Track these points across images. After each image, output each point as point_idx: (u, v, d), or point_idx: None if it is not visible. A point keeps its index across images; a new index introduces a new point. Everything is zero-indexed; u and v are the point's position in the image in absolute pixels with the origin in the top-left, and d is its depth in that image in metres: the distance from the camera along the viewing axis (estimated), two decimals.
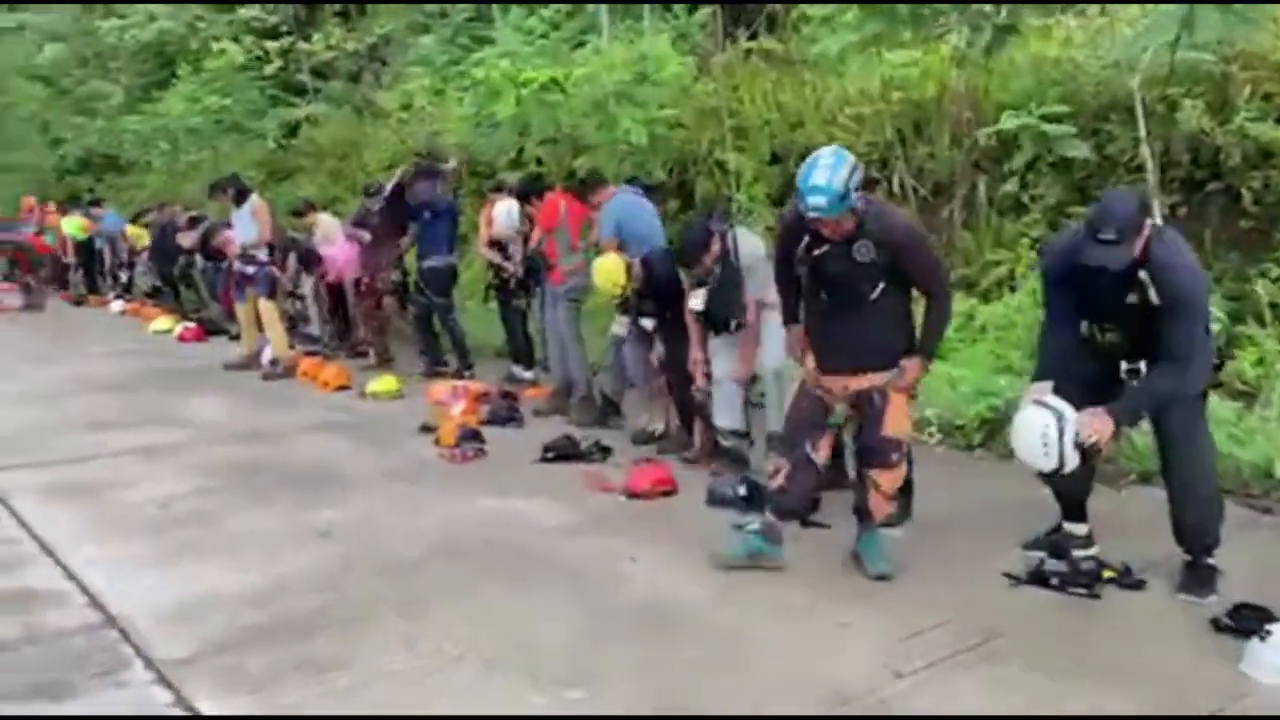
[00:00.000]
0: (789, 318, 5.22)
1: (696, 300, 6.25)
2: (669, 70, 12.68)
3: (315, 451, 7.36)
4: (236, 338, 12.09)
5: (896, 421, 4.86)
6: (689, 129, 12.84)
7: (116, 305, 15.91)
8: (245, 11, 20.82)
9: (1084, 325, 4.65)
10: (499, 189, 9.68)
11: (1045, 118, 8.97)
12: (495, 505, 6.05)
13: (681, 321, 6.58)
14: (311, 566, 5.15)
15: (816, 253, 4.77)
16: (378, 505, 6.10)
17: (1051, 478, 4.83)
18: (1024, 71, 10.41)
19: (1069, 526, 5.10)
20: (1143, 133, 8.37)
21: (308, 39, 19.36)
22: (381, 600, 4.70)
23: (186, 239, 14.10)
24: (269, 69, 19.14)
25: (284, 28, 19.97)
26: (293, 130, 20.78)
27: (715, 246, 6.26)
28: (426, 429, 7.65)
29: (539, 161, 14.57)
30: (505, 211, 9.05)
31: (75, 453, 7.39)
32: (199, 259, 14.11)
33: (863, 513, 4.97)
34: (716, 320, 6.33)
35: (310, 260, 11.07)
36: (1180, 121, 8.47)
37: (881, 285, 4.72)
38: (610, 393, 7.82)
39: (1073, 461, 4.51)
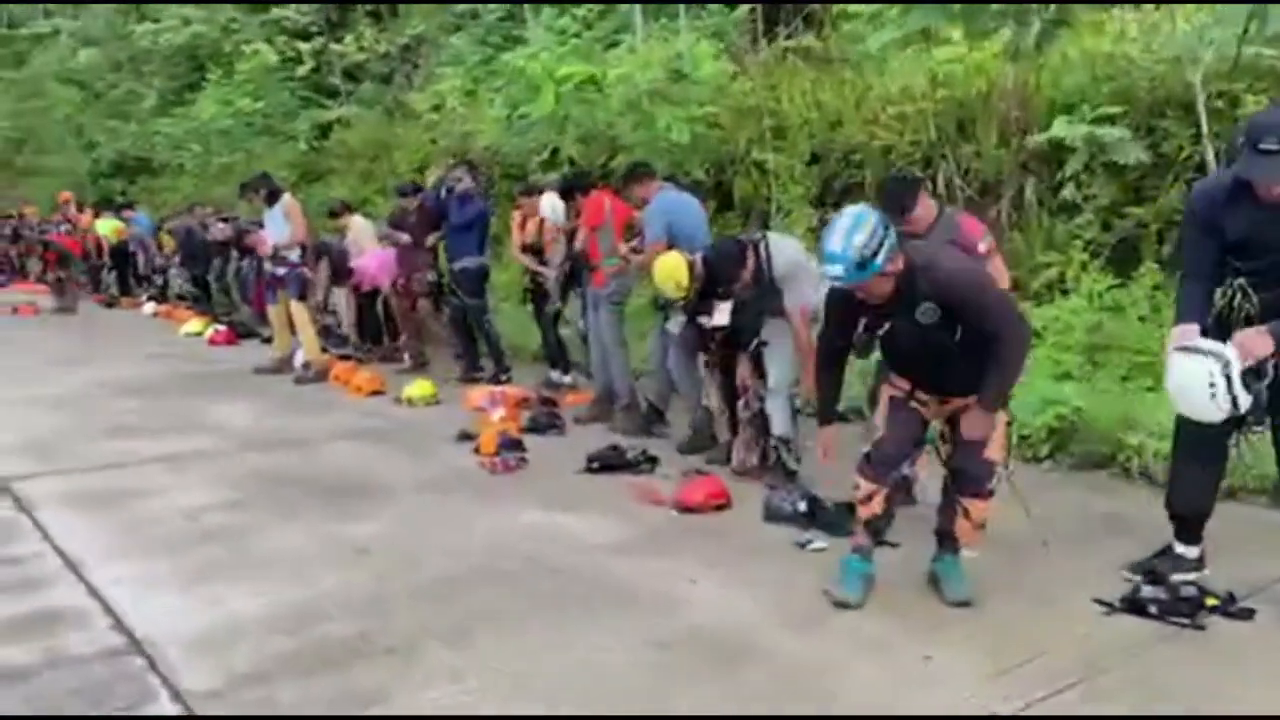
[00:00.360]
0: (824, 416, 4.75)
1: (721, 315, 5.88)
2: (706, 69, 12.31)
3: (348, 460, 6.99)
4: (268, 341, 11.77)
5: (999, 441, 4.43)
6: (725, 129, 12.46)
7: (149, 307, 15.65)
8: (278, 12, 20.56)
9: (1227, 288, 4.19)
10: (530, 191, 9.26)
11: (1098, 120, 8.58)
12: (540, 519, 5.66)
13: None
14: (347, 588, 4.77)
15: (881, 331, 4.36)
16: (415, 519, 5.73)
17: (1212, 441, 4.37)
18: (1076, 67, 9.96)
19: (1180, 549, 4.64)
20: (1205, 129, 7.95)
21: (339, 40, 19.03)
22: (423, 627, 4.32)
23: (219, 231, 13.83)
24: (301, 70, 18.79)
25: (315, 28, 19.67)
26: (324, 132, 20.48)
27: (750, 260, 5.94)
28: (465, 436, 7.27)
29: (571, 162, 14.21)
30: (550, 206, 8.62)
31: (102, 460, 7.06)
32: (234, 260, 13.84)
33: (945, 537, 4.55)
34: (741, 336, 5.97)
35: (341, 271, 10.72)
36: (1242, 118, 8.05)
37: (960, 330, 4.24)
38: (655, 399, 7.42)
39: (1245, 401, 4.00)
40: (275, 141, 20.93)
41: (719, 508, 5.69)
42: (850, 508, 5.29)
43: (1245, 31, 7.71)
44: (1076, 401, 6.80)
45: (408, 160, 17.63)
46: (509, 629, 4.30)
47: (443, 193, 9.76)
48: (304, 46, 18.72)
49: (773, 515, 5.48)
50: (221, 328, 12.66)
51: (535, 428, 7.44)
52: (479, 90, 17.04)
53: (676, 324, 6.57)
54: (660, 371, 7.28)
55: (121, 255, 17.40)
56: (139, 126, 24.74)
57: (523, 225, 9.06)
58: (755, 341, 6.06)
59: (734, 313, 5.95)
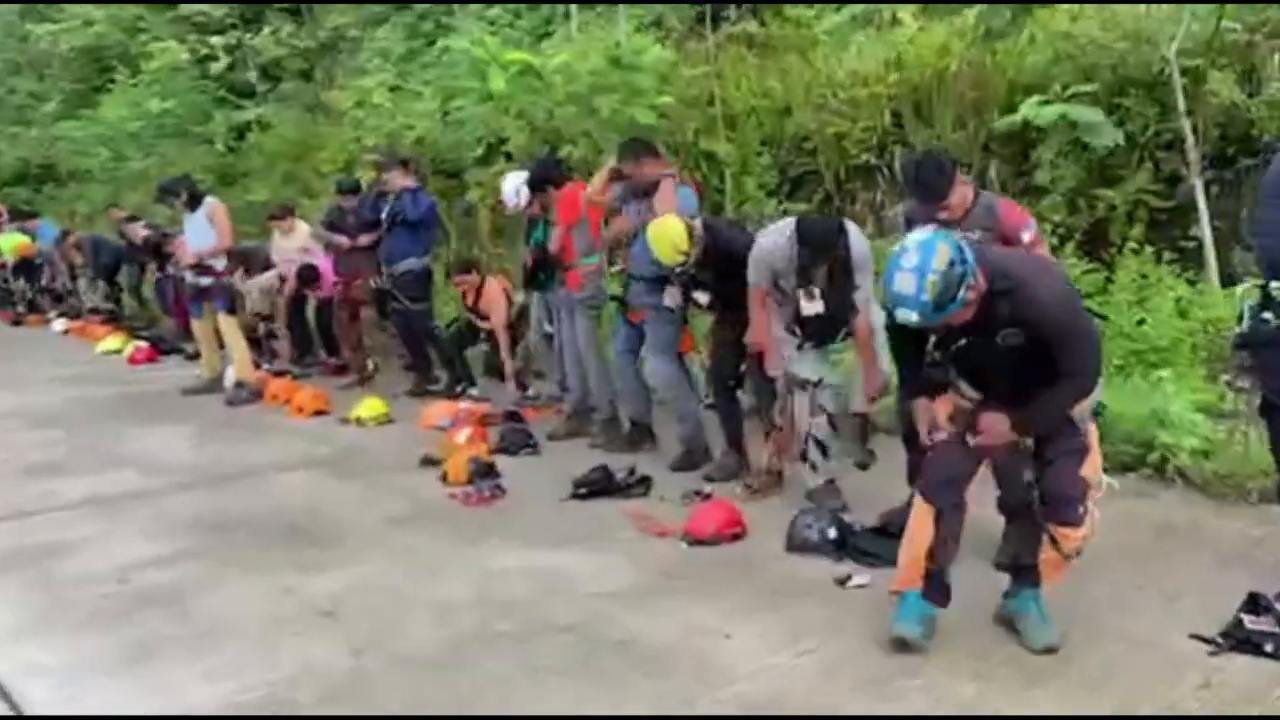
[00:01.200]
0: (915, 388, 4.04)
1: (814, 303, 5.05)
2: (650, 55, 11.56)
3: (300, 495, 6.07)
4: (194, 357, 10.72)
5: (1092, 460, 3.72)
6: (670, 118, 11.69)
7: (58, 324, 14.33)
8: (187, 9, 19.28)
9: None
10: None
11: (1070, 98, 8.06)
12: (531, 561, 4.83)
13: (741, 302, 5.43)
14: (315, 662, 3.90)
15: (954, 348, 3.67)
16: (386, 568, 4.85)
17: None
18: (1038, 46, 9.39)
19: None
20: (1181, 106, 7.47)
21: (255, 35, 17.85)
22: (418, 713, 3.49)
23: (136, 233, 12.70)
24: (216, 67, 17.55)
25: (230, 22, 18.42)
26: (240, 134, 19.23)
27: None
28: (430, 462, 6.41)
29: (509, 157, 13.36)
30: (514, 189, 7.59)
31: (14, 507, 6.06)
32: (150, 269, 12.71)
33: (1025, 570, 3.83)
34: (837, 323, 5.17)
35: (310, 279, 9.66)
36: (1212, 94, 7.58)
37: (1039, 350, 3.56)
38: (635, 415, 6.61)
39: None
40: (189, 144, 19.66)
41: (734, 537, 4.92)
42: (884, 532, 4.61)
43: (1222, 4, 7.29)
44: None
45: (331, 160, 16.53)
46: (522, 709, 3.49)
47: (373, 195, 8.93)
48: (217, 41, 17.44)
49: (798, 544, 4.73)
50: (142, 344, 11.50)
51: (507, 448, 6.59)
52: (406, 84, 16.09)
53: (672, 297, 5.79)
54: (630, 383, 6.48)
55: (27, 269, 15.99)
56: (41, 132, 23.21)
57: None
58: (844, 333, 5.24)
59: (826, 298, 5.07)
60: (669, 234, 5.47)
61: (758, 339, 5.34)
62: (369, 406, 7.64)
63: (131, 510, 5.89)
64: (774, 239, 5.18)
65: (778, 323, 5.28)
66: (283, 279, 9.89)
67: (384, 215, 8.33)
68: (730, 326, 5.69)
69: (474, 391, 8.27)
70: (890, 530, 4.57)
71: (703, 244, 5.52)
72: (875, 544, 4.59)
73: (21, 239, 15.69)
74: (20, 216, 17.12)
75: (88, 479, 6.56)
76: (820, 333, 5.17)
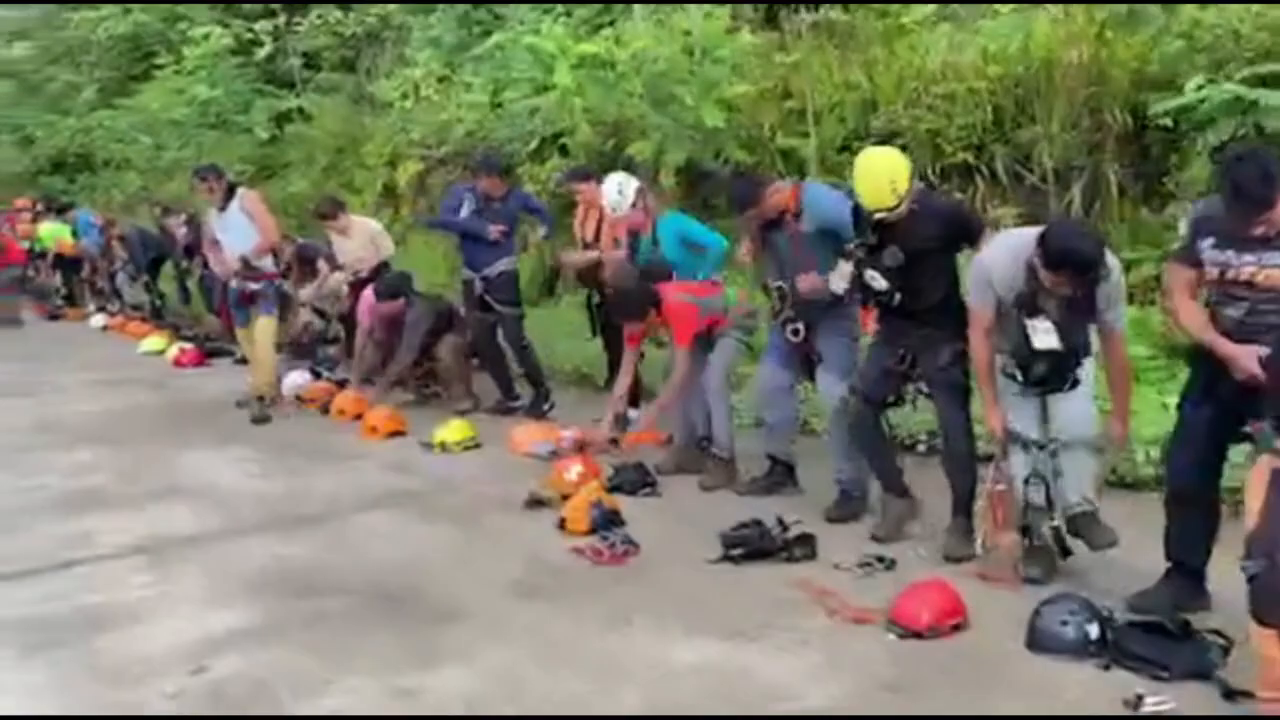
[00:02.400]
0: None
1: (1047, 335, 3.89)
2: (733, 45, 10.41)
3: (392, 547, 4.90)
4: (243, 361, 9.59)
5: None
6: (744, 111, 10.57)
7: (98, 320, 13.23)
8: None
9: None
10: (586, 175, 7.15)
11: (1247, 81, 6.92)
12: (703, 657, 3.66)
13: (926, 302, 4.40)
14: None
15: None
16: (520, 657, 3.69)
17: None
18: (1162, 38, 8.21)
19: None
20: None
21: (298, 22, 16.66)
22: None
23: (175, 229, 11.57)
24: (260, 53, 16.34)
25: (272, 7, 17.22)
26: (280, 124, 18.07)
27: None
28: (537, 503, 5.26)
29: (564, 152, 12.22)
30: (617, 190, 6.21)
31: (46, 553, 4.91)
32: (195, 264, 11.57)
33: None
34: (1070, 364, 3.99)
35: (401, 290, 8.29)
36: None
37: None
38: (778, 451, 5.43)
39: None
40: (228, 134, 18.53)
41: (954, 628, 3.77)
42: (1156, 629, 3.46)
43: None
44: None
45: (377, 153, 15.44)
46: None
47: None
48: (262, 26, 16.21)
49: (1049, 643, 3.57)
50: (187, 345, 10.36)
51: (621, 487, 5.42)
52: (457, 74, 14.94)
53: (842, 279, 4.58)
54: (784, 412, 5.30)
55: (64, 261, 14.86)
56: (78, 120, 22.09)
57: (584, 219, 7.02)
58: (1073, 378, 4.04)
59: (1062, 333, 3.87)
60: (888, 166, 4.25)
61: (981, 380, 4.18)
62: (454, 429, 6.47)
63: (191, 560, 4.75)
64: (1004, 252, 4.02)
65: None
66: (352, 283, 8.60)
67: (468, 212, 7.19)
68: (901, 333, 4.54)
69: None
70: (1164, 626, 3.44)
71: (910, 208, 4.30)
72: (1147, 644, 3.44)
73: (62, 230, 14.56)
74: (58, 208, 15.94)
75: (135, 515, 5.42)
76: (1051, 374, 4.00)
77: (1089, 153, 8.28)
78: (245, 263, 7.58)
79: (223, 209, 7.48)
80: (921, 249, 4.31)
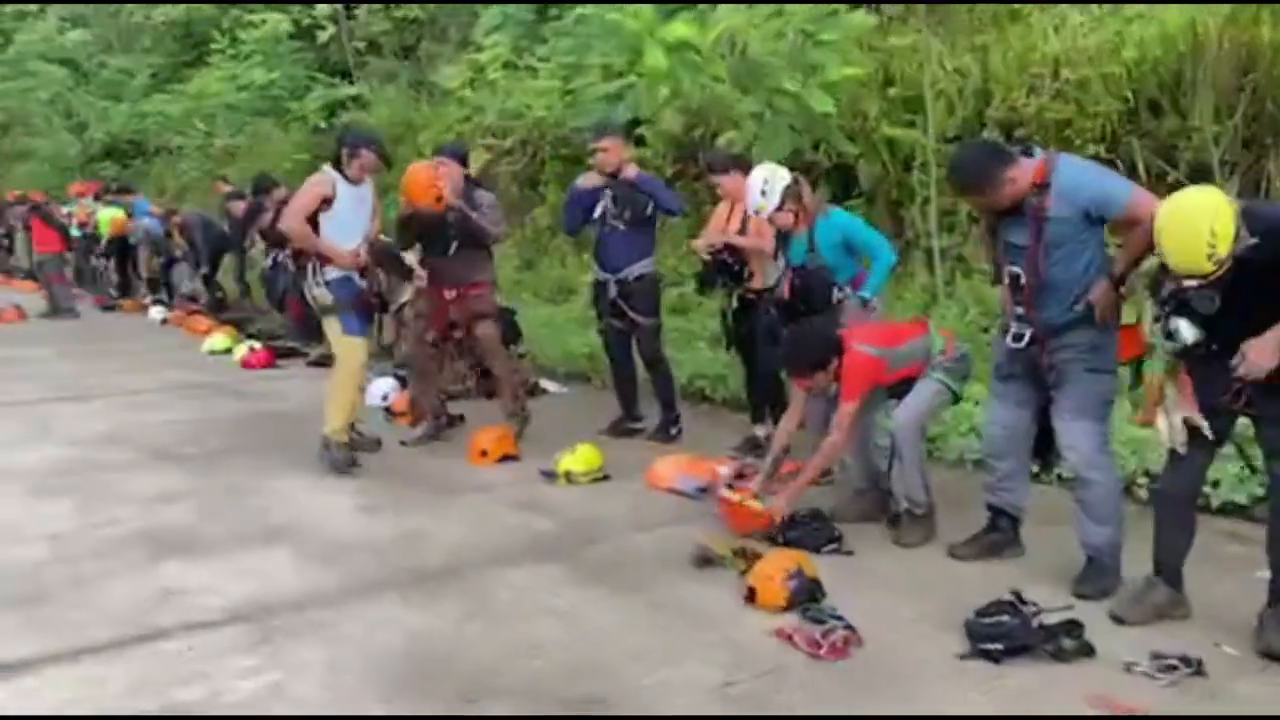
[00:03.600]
0: None
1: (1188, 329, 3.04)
2: (841, 26, 9.28)
3: (550, 623, 3.80)
4: (318, 363, 8.59)
5: None
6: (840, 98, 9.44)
7: (156, 312, 12.20)
8: None
9: None
10: (725, 166, 5.94)
11: None
12: None
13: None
14: None
15: None
16: None
17: None
18: None
19: None
20: None
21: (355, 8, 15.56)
22: None
23: (238, 207, 10.53)
24: (323, 35, 15.23)
25: None
26: (332, 112, 16.98)
27: None
28: (705, 561, 4.20)
29: (640, 141, 11.12)
30: (760, 185, 5.03)
31: (125, 618, 3.85)
32: (264, 253, 10.51)
33: None
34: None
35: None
36: None
37: None
38: (1009, 505, 4.32)
39: None
40: (282, 121, 17.49)
41: None
42: None
43: None
44: None
45: (437, 141, 14.31)
46: None
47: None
48: (323, 9, 15.10)
49: None
50: (256, 345, 9.31)
51: (803, 542, 4.34)
52: (522, 60, 13.83)
53: (1190, 333, 3.28)
54: (1015, 458, 4.20)
55: (121, 249, 13.84)
56: (131, 107, 21.07)
57: (728, 216, 5.89)
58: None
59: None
60: (1206, 220, 3.07)
61: None
62: (581, 457, 5.37)
63: (304, 636, 3.69)
64: None
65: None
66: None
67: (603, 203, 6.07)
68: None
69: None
70: None
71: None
72: None
73: (118, 213, 13.53)
74: (119, 189, 14.86)
75: (226, 565, 4.36)
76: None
77: (1245, 146, 7.17)
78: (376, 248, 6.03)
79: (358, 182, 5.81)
80: (1248, 281, 3.17)
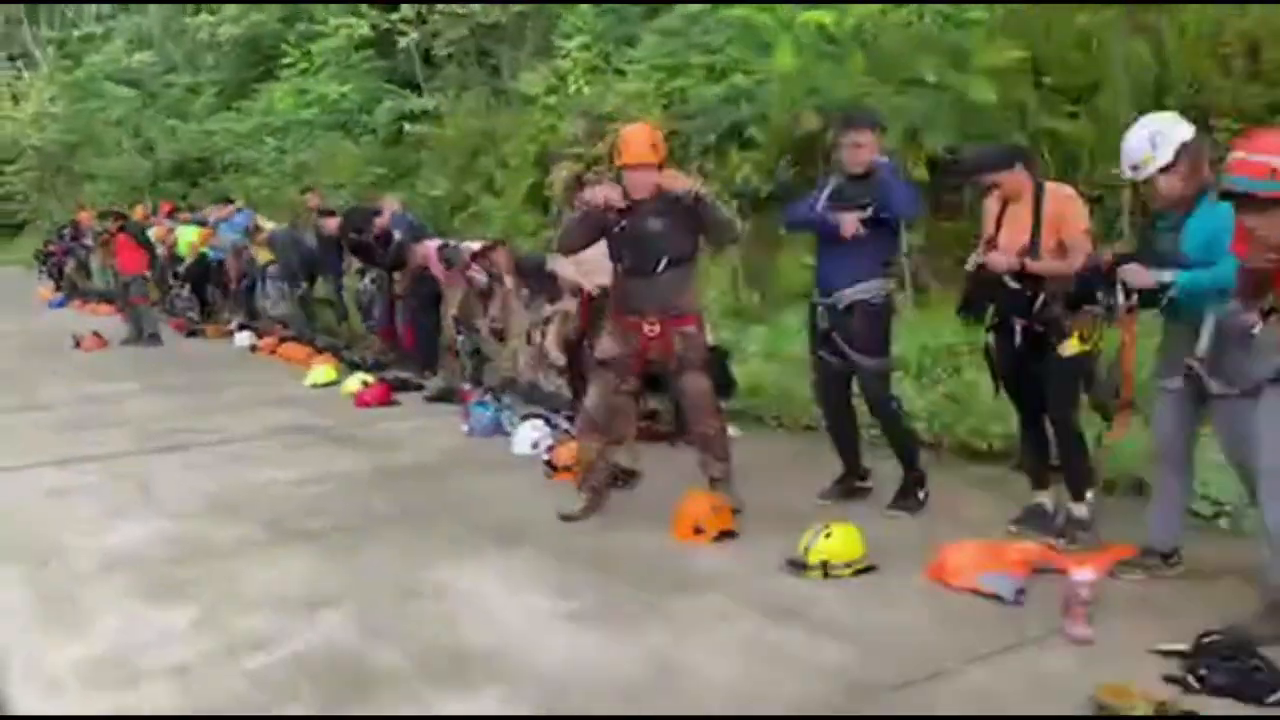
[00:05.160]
0: None
1: None
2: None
3: None
4: (437, 398, 7.24)
5: None
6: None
7: (243, 338, 10.85)
8: None
9: None
10: (1000, 163, 4.33)
11: None
12: None
13: None
14: None
15: None
16: None
17: None
18: None
19: None
20: None
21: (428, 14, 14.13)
22: None
23: (330, 224, 9.23)
24: (403, 42, 13.83)
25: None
26: (402, 125, 15.64)
27: None
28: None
29: (747, 144, 9.70)
30: (1149, 138, 3.51)
31: None
32: (352, 273, 9.17)
33: None
34: None
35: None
36: None
37: None
38: None
39: None
40: (351, 135, 16.17)
41: None
42: None
43: None
44: None
45: (520, 151, 12.94)
46: None
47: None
48: (405, 11, 13.64)
49: None
50: (367, 378, 7.91)
51: (1239, 689, 2.89)
52: (610, 64, 12.43)
53: None
54: None
55: (202, 270, 12.48)
56: (199, 125, 19.87)
57: (999, 217, 4.29)
58: None
59: None
60: None
61: None
62: (840, 542, 3.89)
63: None
64: None
65: None
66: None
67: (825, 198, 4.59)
68: None
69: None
70: None
71: None
72: None
73: (199, 232, 12.17)
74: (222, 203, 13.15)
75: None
76: None
77: None
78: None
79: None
80: None
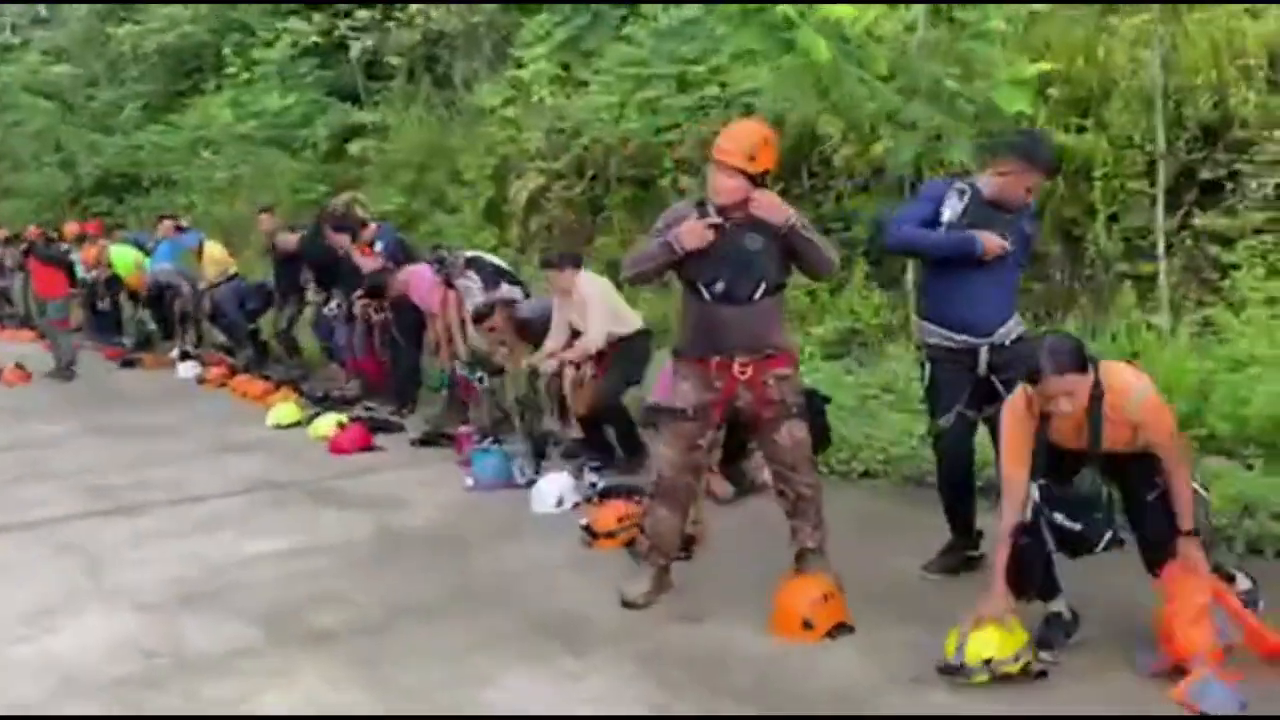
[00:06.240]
0: None
1: None
2: (1005, 13, 7.19)
3: None
4: (429, 441, 6.21)
5: None
6: None
7: (187, 368, 9.53)
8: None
9: None
10: None
11: None
12: None
13: None
14: None
15: None
16: None
17: None
18: None
19: None
20: None
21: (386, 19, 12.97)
22: None
23: (293, 242, 8.11)
24: (355, 48, 12.63)
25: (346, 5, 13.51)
26: (344, 139, 14.44)
27: None
28: None
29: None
30: None
31: None
32: (327, 298, 8.01)
33: None
34: None
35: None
36: None
37: None
38: None
39: None
40: (291, 150, 14.88)
41: None
42: None
43: None
44: None
45: (476, 166, 11.95)
46: None
47: None
48: (360, 16, 12.43)
49: None
50: (339, 417, 6.80)
51: None
52: (573, 73, 11.49)
53: None
54: None
55: (158, 295, 10.84)
56: (124, 139, 18.25)
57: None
58: None
59: None
60: None
61: None
62: (999, 636, 3.05)
63: None
64: None
65: None
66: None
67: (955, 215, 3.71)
68: None
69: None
70: None
71: None
72: None
73: (137, 256, 10.76)
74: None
75: None
76: None
77: None
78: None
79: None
80: None
